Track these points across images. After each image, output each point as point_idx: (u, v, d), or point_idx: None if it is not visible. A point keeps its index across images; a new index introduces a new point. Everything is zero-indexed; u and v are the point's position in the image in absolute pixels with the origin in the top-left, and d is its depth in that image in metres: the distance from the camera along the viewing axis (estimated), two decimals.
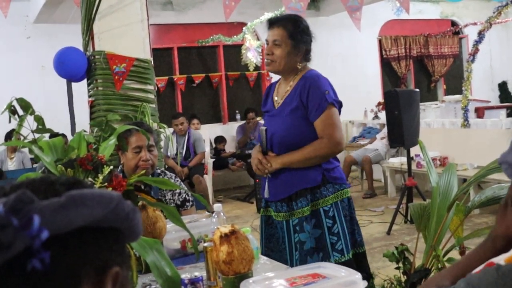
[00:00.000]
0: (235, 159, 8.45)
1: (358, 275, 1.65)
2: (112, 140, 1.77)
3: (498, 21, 8.52)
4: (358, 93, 10.02)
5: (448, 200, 2.79)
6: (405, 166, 5.83)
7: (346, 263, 2.31)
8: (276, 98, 2.69)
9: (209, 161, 7.58)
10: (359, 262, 2.56)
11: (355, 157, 7.84)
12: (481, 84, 11.32)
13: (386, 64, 11.00)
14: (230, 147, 9.04)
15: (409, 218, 5.68)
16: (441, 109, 9.43)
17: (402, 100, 5.45)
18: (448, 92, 11.09)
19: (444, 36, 11.34)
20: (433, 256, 2.70)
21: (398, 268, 2.87)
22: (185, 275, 1.77)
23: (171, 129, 7.13)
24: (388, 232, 5.55)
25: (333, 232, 2.51)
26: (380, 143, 7.94)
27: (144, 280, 1.98)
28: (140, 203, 1.93)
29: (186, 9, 9.11)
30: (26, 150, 6.74)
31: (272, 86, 2.79)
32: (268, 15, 7.20)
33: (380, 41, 10.89)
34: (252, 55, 8.64)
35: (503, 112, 8.49)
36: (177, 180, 3.05)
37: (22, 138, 1.78)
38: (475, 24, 10.34)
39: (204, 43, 9.08)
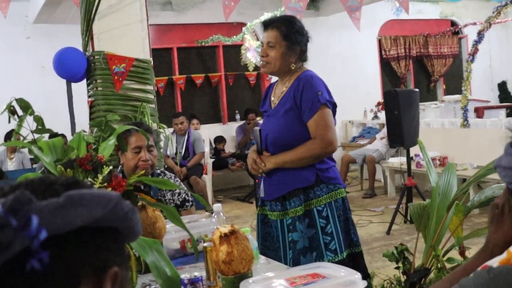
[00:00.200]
0: (234, 159, 8.46)
1: (357, 275, 1.65)
2: (112, 140, 1.77)
3: (498, 21, 8.52)
4: (358, 93, 10.03)
5: (447, 200, 2.79)
6: (405, 166, 5.83)
7: (340, 263, 2.32)
8: (273, 99, 2.73)
9: (208, 161, 7.59)
10: (356, 262, 2.57)
11: (354, 157, 7.83)
12: (481, 84, 11.32)
13: (385, 64, 11.00)
14: (229, 147, 9.05)
15: (408, 218, 5.68)
16: (441, 109, 9.43)
17: (401, 100, 5.45)
18: (447, 92, 11.09)
19: (443, 36, 11.34)
20: (432, 256, 2.70)
21: (397, 268, 2.87)
22: (184, 275, 1.77)
23: (171, 129, 7.13)
24: (388, 232, 5.56)
25: (327, 232, 2.53)
26: (380, 143, 7.94)
27: (143, 280, 1.98)
28: (139, 203, 1.93)
29: (185, 9, 9.11)
30: (25, 150, 6.72)
31: (271, 86, 2.82)
32: (268, 15, 7.19)
33: (379, 41, 10.89)
34: (251, 55, 8.64)
35: (503, 112, 8.49)
36: (177, 180, 3.05)
37: (21, 138, 1.78)
38: (474, 24, 10.34)
39: (203, 43, 9.08)
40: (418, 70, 11.50)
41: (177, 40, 9.30)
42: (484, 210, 5.69)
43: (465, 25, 11.23)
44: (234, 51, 9.28)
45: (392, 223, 5.62)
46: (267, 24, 2.66)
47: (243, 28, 8.70)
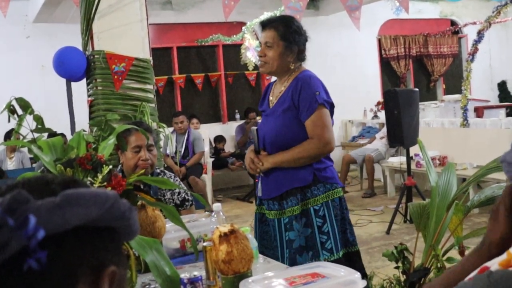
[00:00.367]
0: (234, 158, 8.46)
1: (357, 275, 1.65)
2: (112, 140, 1.77)
3: (498, 21, 8.51)
4: (358, 93, 10.03)
5: (447, 199, 2.79)
6: (405, 166, 5.83)
7: (335, 262, 2.33)
8: (271, 98, 2.74)
9: (208, 161, 7.59)
10: (352, 261, 2.58)
11: (354, 156, 7.84)
12: (481, 83, 11.32)
13: (385, 63, 11.00)
14: (229, 147, 9.05)
15: (408, 218, 5.68)
16: (441, 109, 9.43)
17: (401, 99, 5.45)
18: (447, 91, 11.09)
19: (443, 36, 11.33)
20: (432, 256, 2.70)
21: (397, 267, 2.87)
22: (184, 275, 1.77)
23: (171, 128, 7.13)
24: (388, 232, 5.56)
25: (323, 231, 2.54)
26: (379, 143, 7.94)
27: (143, 279, 1.98)
28: (139, 203, 1.93)
29: (185, 9, 9.11)
30: (25, 149, 6.74)
31: (269, 86, 2.84)
32: (268, 14, 7.19)
33: (379, 41, 10.89)
34: (251, 55, 8.63)
35: (503, 111, 8.50)
36: (177, 180, 3.05)
37: (21, 137, 1.78)
38: (474, 23, 10.33)
39: (203, 43, 9.08)
40: (418, 70, 11.50)
41: (177, 39, 9.30)
42: (484, 209, 5.70)
43: (465, 25, 11.23)
44: (234, 50, 9.28)
45: (391, 222, 5.62)
46: (265, 24, 2.68)
47: (243, 28, 8.70)
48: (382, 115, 8.81)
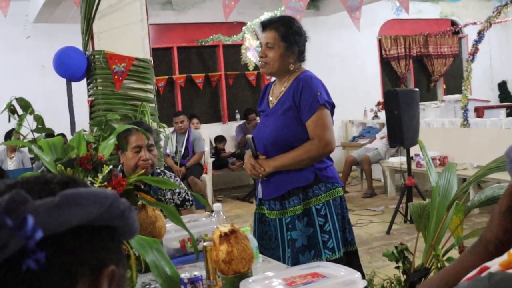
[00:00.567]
0: (234, 158, 8.46)
1: (357, 274, 1.64)
2: (112, 140, 1.77)
3: (498, 21, 8.52)
4: (358, 93, 10.03)
5: (447, 199, 2.79)
6: (405, 166, 5.83)
7: (337, 261, 2.33)
8: (271, 98, 2.74)
9: (209, 161, 7.58)
10: (350, 261, 2.59)
11: (356, 157, 7.83)
12: (481, 83, 11.32)
13: (385, 63, 11.00)
14: (230, 147, 9.05)
15: (408, 218, 5.68)
16: (441, 109, 9.43)
17: (401, 99, 5.45)
18: (447, 91, 11.09)
19: (443, 36, 11.33)
20: (432, 256, 2.69)
21: (397, 267, 2.87)
22: (184, 275, 1.77)
23: (171, 128, 7.13)
24: (388, 232, 5.55)
25: (325, 231, 2.55)
26: (379, 143, 7.94)
27: (143, 279, 1.98)
28: (139, 203, 1.93)
29: (185, 9, 9.11)
30: (25, 149, 6.74)
31: (268, 86, 2.84)
32: (268, 14, 7.19)
33: (379, 41, 10.88)
34: (251, 55, 8.64)
35: (503, 111, 8.49)
36: (177, 180, 3.05)
37: (21, 137, 1.78)
38: (474, 23, 10.33)
39: (203, 43, 9.08)
40: (418, 70, 11.50)
41: (177, 39, 9.30)
42: (484, 209, 5.69)
43: (465, 25, 11.23)
44: (234, 50, 9.28)
45: (392, 222, 5.62)
46: (265, 25, 2.68)
47: (243, 28, 8.70)
48: (382, 115, 8.81)
